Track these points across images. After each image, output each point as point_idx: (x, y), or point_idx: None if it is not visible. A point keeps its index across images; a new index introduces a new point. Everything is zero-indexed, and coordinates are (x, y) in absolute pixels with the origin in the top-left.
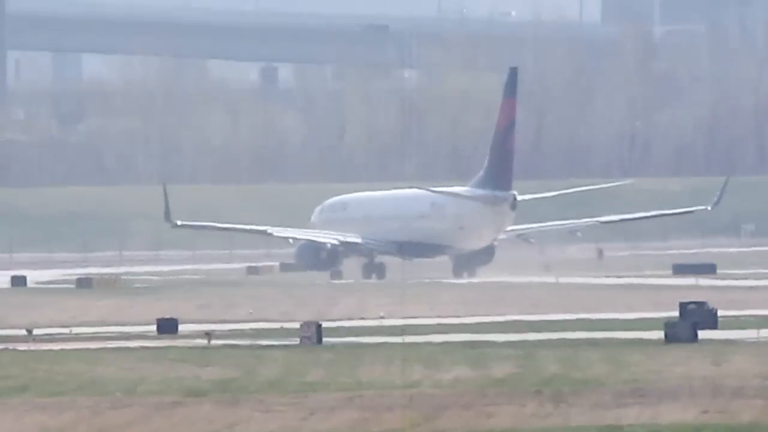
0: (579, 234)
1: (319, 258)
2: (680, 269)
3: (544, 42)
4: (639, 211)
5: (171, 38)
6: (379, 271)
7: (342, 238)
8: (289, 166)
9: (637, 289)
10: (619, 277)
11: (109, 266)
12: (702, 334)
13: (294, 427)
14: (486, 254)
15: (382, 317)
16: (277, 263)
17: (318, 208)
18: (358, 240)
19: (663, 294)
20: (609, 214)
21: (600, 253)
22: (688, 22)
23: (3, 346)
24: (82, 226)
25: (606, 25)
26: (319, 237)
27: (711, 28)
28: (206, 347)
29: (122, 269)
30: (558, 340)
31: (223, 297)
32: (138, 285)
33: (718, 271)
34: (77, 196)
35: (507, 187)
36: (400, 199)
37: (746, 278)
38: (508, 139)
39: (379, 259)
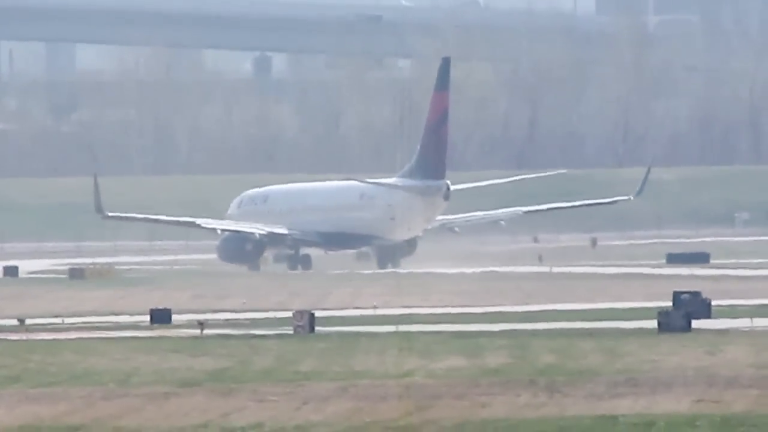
0: (503, 223)
1: (243, 250)
2: (674, 258)
3: (539, 32)
4: (632, 201)
5: (165, 28)
6: (305, 262)
7: (268, 230)
8: (283, 156)
9: (631, 279)
10: (612, 266)
11: (102, 256)
12: (696, 323)
13: (288, 416)
14: (410, 245)
15: (375, 307)
16: None
17: (236, 201)
18: (285, 231)
19: (657, 283)
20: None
21: (593, 242)
22: (682, 12)
23: None
24: (75, 217)
25: (600, 15)
26: (246, 228)
27: (705, 18)
28: (199, 337)
29: (115, 259)
30: (552, 330)
31: (216, 287)
32: (131, 275)
33: (712, 260)
34: (70, 187)
35: (440, 176)
36: (327, 191)
37: (740, 268)
38: (441, 131)
39: (304, 251)
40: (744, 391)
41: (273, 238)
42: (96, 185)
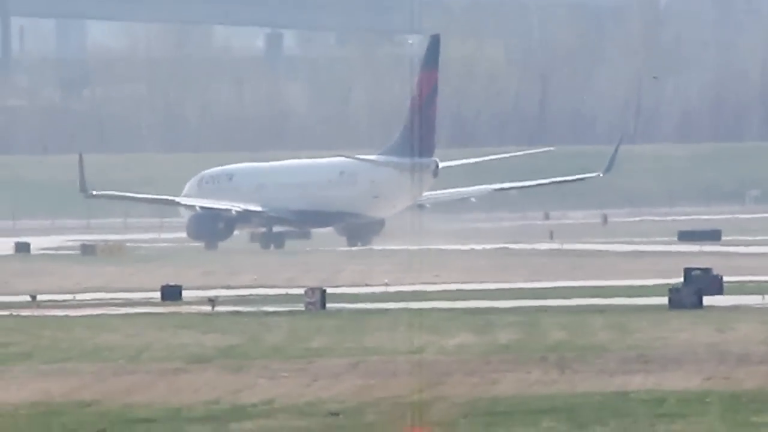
0: (473, 200)
1: (215, 228)
2: (685, 236)
3: (549, 9)
4: (643, 177)
5: (176, 4)
6: (278, 240)
7: (244, 207)
8: (293, 133)
9: (642, 256)
10: (623, 243)
11: (113, 233)
12: (707, 300)
13: (299, 393)
14: (378, 223)
15: (386, 284)
16: None
17: (194, 180)
18: (259, 209)
19: (668, 260)
20: (609, 178)
21: (604, 219)
22: None
23: (7, 313)
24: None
25: None
26: (222, 206)
27: None
28: (210, 314)
29: (126, 236)
30: (562, 306)
31: (227, 264)
32: (142, 252)
33: (723, 237)
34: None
35: (429, 154)
36: (303, 168)
37: (751, 245)
38: (430, 109)
39: (277, 228)
40: (755, 368)
41: (246, 216)
42: (81, 164)
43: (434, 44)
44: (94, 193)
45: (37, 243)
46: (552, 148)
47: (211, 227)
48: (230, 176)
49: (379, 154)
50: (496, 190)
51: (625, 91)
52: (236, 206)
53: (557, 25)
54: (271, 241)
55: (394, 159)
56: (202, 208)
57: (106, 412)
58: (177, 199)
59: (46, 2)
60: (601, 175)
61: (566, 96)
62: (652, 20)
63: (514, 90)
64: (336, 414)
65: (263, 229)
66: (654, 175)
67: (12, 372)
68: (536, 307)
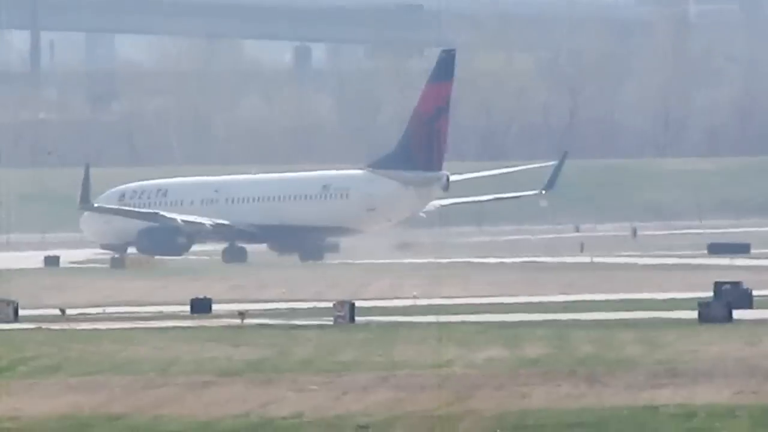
0: (422, 215)
1: (174, 242)
2: (715, 249)
3: (578, 21)
4: (672, 191)
5: (204, 18)
6: (240, 255)
7: (217, 221)
8: (321, 147)
9: (672, 269)
10: (653, 256)
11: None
12: (737, 314)
13: (328, 406)
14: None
15: (415, 297)
16: None
17: (110, 195)
18: (227, 223)
19: (697, 274)
20: (638, 191)
21: (634, 232)
22: (722, 1)
23: (37, 326)
24: None
25: (640, 5)
26: (197, 219)
27: (745, 7)
28: (240, 327)
29: None
30: (592, 320)
31: (256, 277)
32: (171, 265)
33: (753, 250)
34: (109, 177)
35: (438, 167)
36: (269, 183)
37: None
38: (440, 121)
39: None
40: None
41: (216, 230)
42: (86, 175)
43: (448, 58)
44: (96, 205)
45: (66, 256)
46: (553, 163)
47: (169, 241)
48: (164, 191)
49: (369, 166)
50: (442, 206)
51: (654, 104)
52: (213, 220)
53: (586, 37)
54: (233, 256)
55: (404, 173)
56: (186, 221)
57: (136, 426)
58: (160, 212)
59: (76, 16)
60: (543, 192)
61: (595, 109)
62: (681, 33)
63: (543, 102)
64: (365, 427)
65: (226, 244)
66: (683, 189)
67: (42, 385)
68: (566, 320)
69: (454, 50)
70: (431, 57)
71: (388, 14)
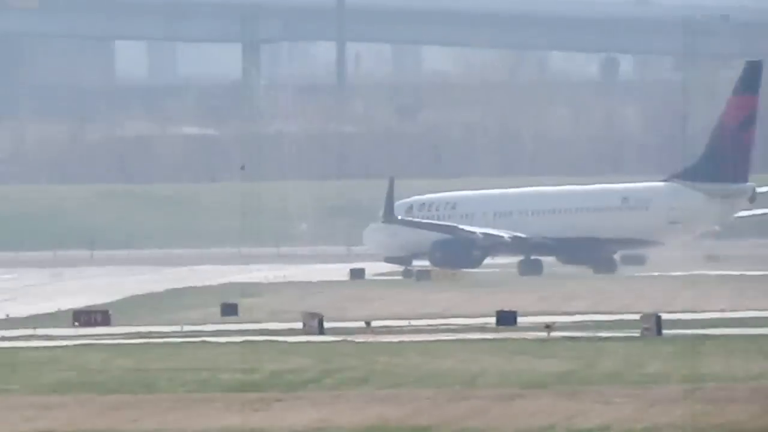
0: (717, 227)
1: (470, 255)
2: None
3: None
4: None
5: (510, 30)
6: (536, 267)
7: (514, 234)
8: (627, 158)
9: None
10: None
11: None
12: None
13: (633, 418)
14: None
15: (723, 310)
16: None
17: (397, 207)
18: (524, 236)
19: None
20: None
21: None
22: None
23: (342, 338)
24: None
25: None
26: (498, 232)
27: None
28: (545, 339)
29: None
30: None
31: (559, 289)
32: (476, 278)
33: None
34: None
35: (743, 179)
36: (572, 195)
37: None
38: (746, 133)
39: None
40: None
41: (516, 242)
42: (390, 188)
43: (753, 69)
44: (399, 218)
45: (371, 269)
46: None
47: (464, 254)
48: (453, 204)
49: (670, 178)
50: (740, 217)
51: None
52: (511, 233)
53: None
54: (529, 267)
55: (710, 184)
56: (484, 234)
57: None
58: (459, 225)
59: (382, 28)
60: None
61: None
62: None
63: None
64: None
65: (520, 257)
66: None
67: (348, 396)
68: None
69: (760, 61)
70: (738, 68)
71: (695, 24)
